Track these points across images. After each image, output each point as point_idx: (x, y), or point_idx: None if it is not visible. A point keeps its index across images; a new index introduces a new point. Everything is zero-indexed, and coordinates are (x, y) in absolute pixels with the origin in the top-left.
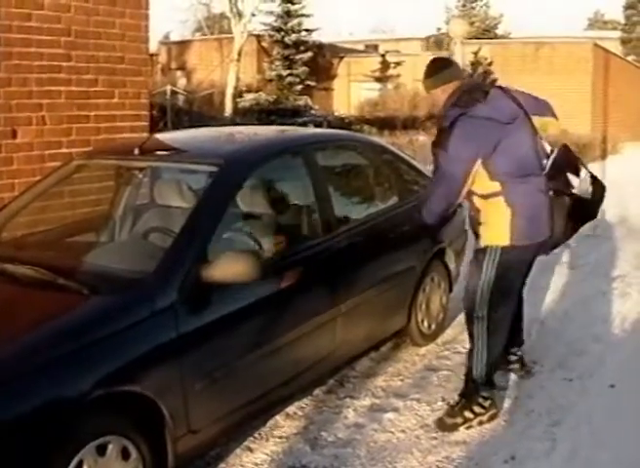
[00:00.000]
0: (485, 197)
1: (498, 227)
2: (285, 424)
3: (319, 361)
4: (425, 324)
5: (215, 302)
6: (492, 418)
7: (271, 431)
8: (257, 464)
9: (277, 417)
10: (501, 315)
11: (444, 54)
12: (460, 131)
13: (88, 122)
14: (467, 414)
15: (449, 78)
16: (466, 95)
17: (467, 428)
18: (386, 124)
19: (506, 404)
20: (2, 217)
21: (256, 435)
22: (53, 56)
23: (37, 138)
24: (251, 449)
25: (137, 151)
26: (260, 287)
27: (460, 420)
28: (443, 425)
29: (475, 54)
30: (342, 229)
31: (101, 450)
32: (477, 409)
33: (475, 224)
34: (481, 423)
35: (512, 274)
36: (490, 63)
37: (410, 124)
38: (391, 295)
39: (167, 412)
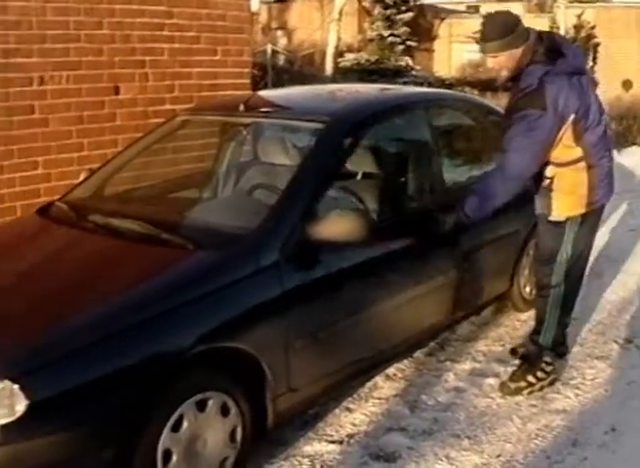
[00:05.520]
0: (563, 165)
1: (577, 196)
2: (384, 386)
3: (426, 326)
4: (527, 289)
5: (320, 261)
6: (551, 384)
7: (370, 392)
8: (355, 424)
9: (377, 379)
10: (576, 282)
11: (545, 17)
12: (553, 87)
13: (190, 79)
14: (530, 379)
15: (519, 42)
16: (547, 50)
17: (530, 393)
18: (488, 86)
19: (608, 373)
20: (105, 173)
21: (355, 395)
22: (155, 13)
23: (140, 95)
24: (349, 410)
25: (242, 107)
26: (366, 248)
27: (523, 384)
28: (507, 389)
29: (578, 17)
30: (450, 190)
31: (201, 406)
32: (540, 373)
33: (545, 194)
34: (542, 389)
35: (588, 239)
36: (592, 27)
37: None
38: (497, 259)
39: (268, 370)
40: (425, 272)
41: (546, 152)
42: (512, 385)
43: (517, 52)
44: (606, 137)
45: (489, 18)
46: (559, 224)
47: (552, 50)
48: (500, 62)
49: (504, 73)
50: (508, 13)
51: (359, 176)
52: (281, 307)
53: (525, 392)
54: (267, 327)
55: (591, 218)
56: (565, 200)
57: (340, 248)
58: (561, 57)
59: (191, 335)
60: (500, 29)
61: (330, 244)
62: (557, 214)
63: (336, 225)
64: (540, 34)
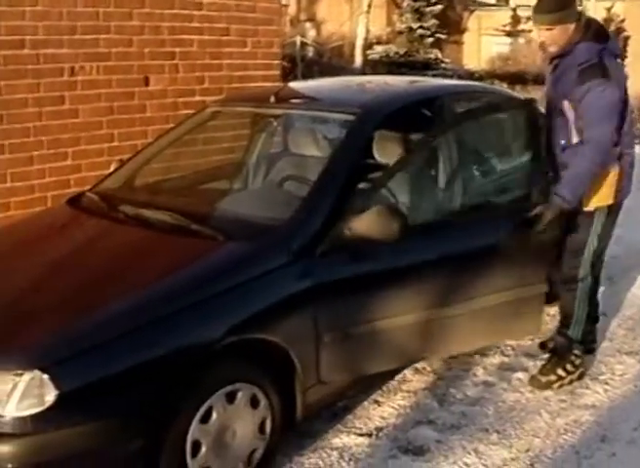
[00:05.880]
0: None
1: (606, 184)
2: (413, 379)
3: (463, 338)
4: None
5: (353, 257)
6: (580, 377)
7: (399, 385)
8: (384, 417)
9: (406, 372)
10: (599, 273)
11: (575, 9)
12: (610, 62)
13: (220, 70)
14: (560, 372)
15: (573, 18)
16: (597, 32)
17: (560, 387)
18: (517, 79)
19: (637, 369)
20: (136, 163)
21: (384, 388)
22: (184, 4)
23: (170, 86)
24: (378, 403)
25: (272, 99)
26: (404, 250)
27: (553, 378)
28: (537, 383)
29: (608, 10)
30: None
31: (231, 398)
32: (569, 367)
33: None
34: (571, 382)
35: (610, 232)
36: (622, 21)
37: (541, 79)
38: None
39: (297, 362)
40: (471, 283)
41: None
42: (543, 379)
43: (570, 27)
44: (632, 130)
45: None
46: (588, 215)
47: (601, 32)
48: (553, 36)
49: (553, 49)
50: None
51: (390, 169)
52: (311, 300)
53: (555, 385)
54: (297, 319)
55: (614, 211)
56: (596, 189)
57: (376, 246)
58: (609, 39)
59: (221, 327)
60: (557, 2)
61: (363, 241)
62: (587, 203)
63: (370, 222)
64: (589, 18)
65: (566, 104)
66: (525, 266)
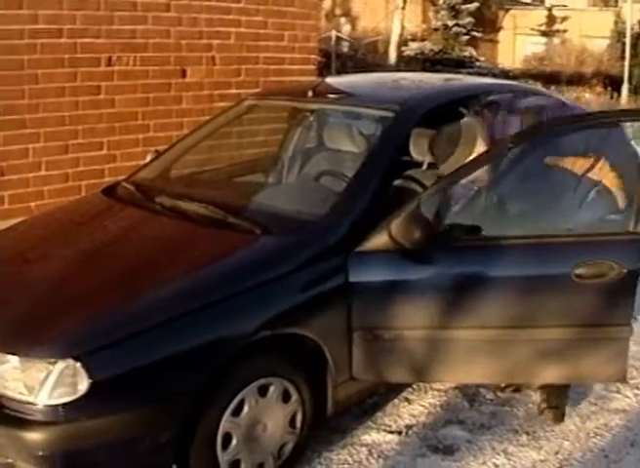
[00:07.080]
0: None
1: None
2: None
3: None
4: None
5: (389, 259)
6: None
7: (430, 384)
8: (414, 415)
9: None
10: None
11: (609, 11)
12: None
13: (257, 64)
14: None
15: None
16: None
17: None
18: (552, 79)
19: None
20: (172, 155)
21: (414, 386)
22: None
23: (206, 78)
24: (409, 401)
25: (310, 93)
26: (445, 263)
27: None
28: None
29: None
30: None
31: (263, 391)
32: None
33: None
34: None
35: None
36: None
37: (575, 80)
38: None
39: (330, 357)
40: (529, 311)
41: None
42: None
43: None
44: None
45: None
46: None
47: None
48: None
49: None
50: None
51: (424, 166)
52: (345, 297)
53: None
54: (331, 315)
55: None
56: None
57: (415, 254)
58: None
59: (256, 321)
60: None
61: (399, 244)
62: None
63: (398, 228)
64: None
65: None
66: (606, 303)
